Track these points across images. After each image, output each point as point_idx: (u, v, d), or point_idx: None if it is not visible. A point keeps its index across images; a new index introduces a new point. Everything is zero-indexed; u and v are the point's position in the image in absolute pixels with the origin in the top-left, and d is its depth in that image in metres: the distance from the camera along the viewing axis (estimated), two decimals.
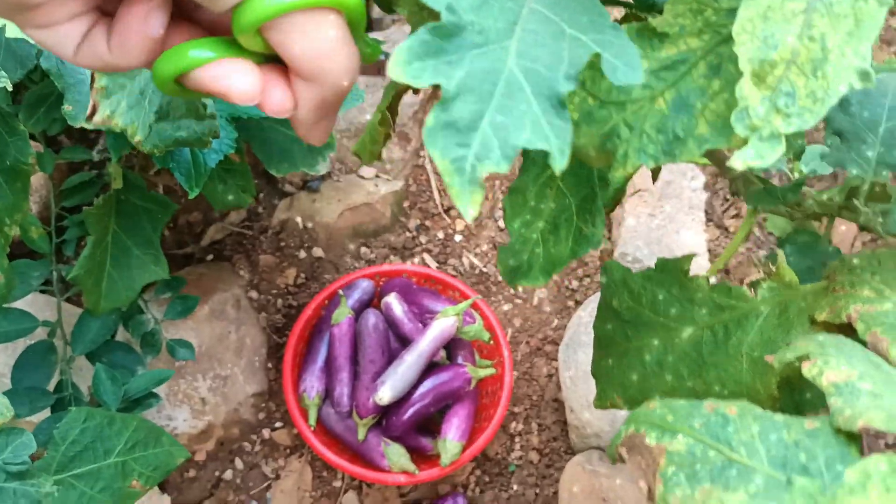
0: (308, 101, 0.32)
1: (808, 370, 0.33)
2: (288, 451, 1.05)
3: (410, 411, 0.97)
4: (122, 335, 0.89)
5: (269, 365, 1.09)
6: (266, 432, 1.05)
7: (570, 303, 1.15)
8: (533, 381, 1.10)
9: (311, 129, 0.33)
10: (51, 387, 0.81)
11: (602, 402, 0.47)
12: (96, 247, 0.77)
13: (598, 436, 0.97)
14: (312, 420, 0.99)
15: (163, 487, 0.97)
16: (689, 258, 0.49)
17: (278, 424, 1.06)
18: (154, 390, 0.81)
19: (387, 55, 0.30)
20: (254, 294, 1.11)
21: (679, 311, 0.47)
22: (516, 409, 1.08)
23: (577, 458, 0.95)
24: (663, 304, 0.47)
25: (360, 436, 0.98)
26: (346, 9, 0.30)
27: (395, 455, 0.97)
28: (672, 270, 0.48)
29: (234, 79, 0.31)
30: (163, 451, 0.76)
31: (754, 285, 0.46)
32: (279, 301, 1.12)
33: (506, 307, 1.15)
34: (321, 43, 0.30)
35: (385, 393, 0.94)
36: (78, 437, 0.70)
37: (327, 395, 1.02)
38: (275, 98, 0.32)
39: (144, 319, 0.85)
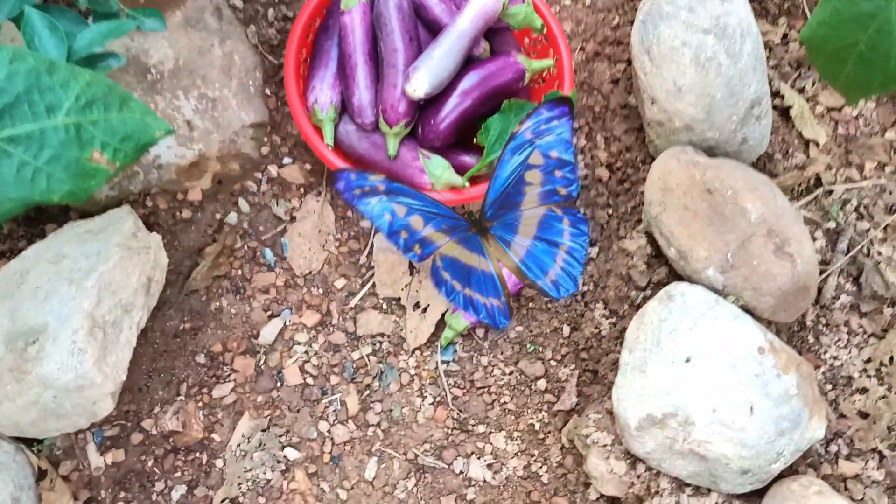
0: None
1: None
2: (302, 189, 0.86)
3: (454, 114, 0.77)
4: None
5: (268, 92, 0.87)
6: (273, 169, 0.86)
7: None
8: (594, 91, 0.89)
9: None
10: None
11: None
12: None
13: (689, 128, 0.77)
14: (329, 138, 0.79)
15: (150, 226, 0.78)
16: None
17: (287, 160, 0.86)
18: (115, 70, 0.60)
19: None
20: (237, 2, 0.88)
21: None
22: (575, 124, 0.88)
23: (669, 152, 0.76)
24: None
25: (391, 150, 0.78)
26: None
27: (438, 168, 0.77)
28: None
29: None
30: (132, 117, 0.56)
31: None
32: (270, 12, 0.88)
33: (553, 9, 0.92)
34: None
35: (420, 81, 0.73)
36: (4, 85, 0.50)
37: (344, 107, 0.81)
38: None
39: None
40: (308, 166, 0.86)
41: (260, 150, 0.86)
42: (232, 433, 0.78)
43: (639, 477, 0.72)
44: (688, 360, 0.67)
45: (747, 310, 0.71)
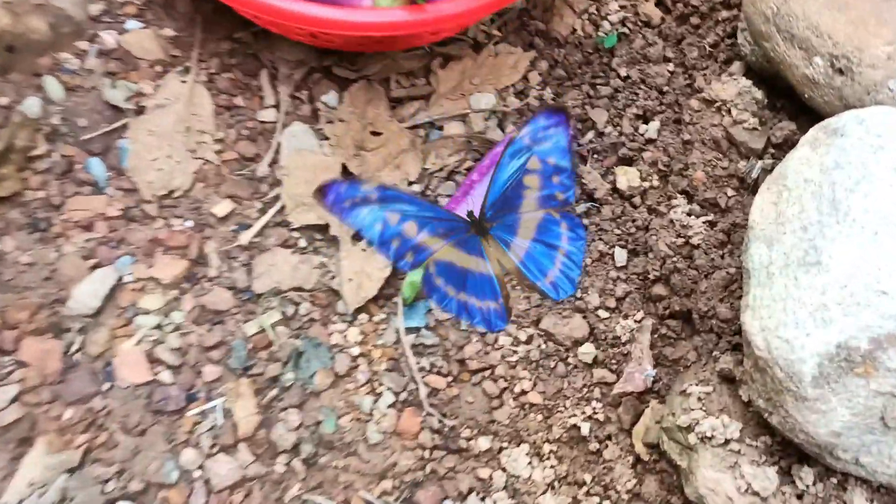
0: None
1: None
2: (159, 67, 0.52)
3: None
4: None
5: None
6: (108, 36, 0.52)
7: None
8: None
9: None
10: None
11: None
12: None
13: None
14: None
15: None
16: None
17: (134, 24, 0.53)
18: None
19: None
20: None
21: None
22: None
23: None
24: None
25: None
26: None
27: None
28: None
29: None
30: None
31: None
32: None
33: None
34: None
35: None
36: None
37: None
38: None
39: None
40: (170, 32, 0.53)
41: (87, 8, 0.52)
42: (11, 479, 0.40)
43: (801, 497, 0.36)
44: None
45: None
